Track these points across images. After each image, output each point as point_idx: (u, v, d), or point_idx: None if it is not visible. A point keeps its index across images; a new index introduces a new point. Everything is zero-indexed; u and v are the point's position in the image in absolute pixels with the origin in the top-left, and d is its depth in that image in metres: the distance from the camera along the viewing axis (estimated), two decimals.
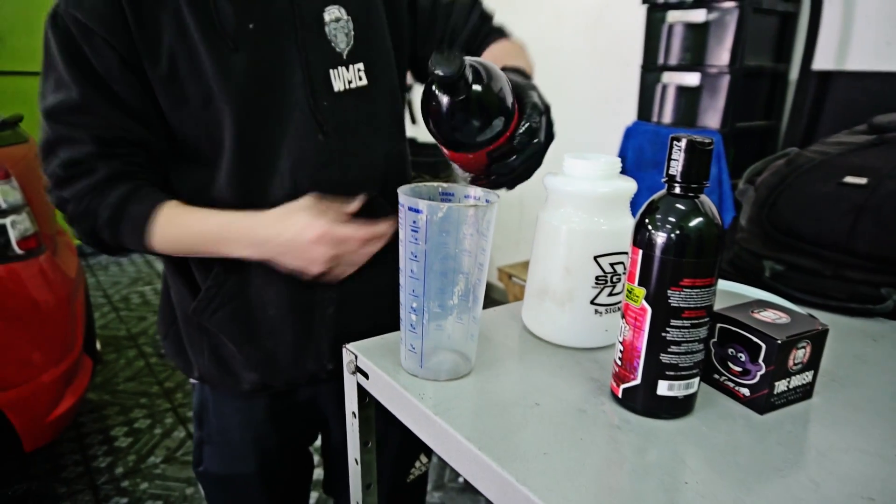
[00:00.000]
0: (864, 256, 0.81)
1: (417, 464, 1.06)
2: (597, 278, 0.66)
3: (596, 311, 0.67)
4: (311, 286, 0.86)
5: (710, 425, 0.55)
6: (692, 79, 2.10)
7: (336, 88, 0.82)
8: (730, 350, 0.59)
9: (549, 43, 2.83)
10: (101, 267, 4.02)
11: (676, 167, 0.51)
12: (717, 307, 0.56)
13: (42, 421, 1.69)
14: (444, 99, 0.60)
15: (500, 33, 0.95)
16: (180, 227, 0.78)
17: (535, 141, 0.65)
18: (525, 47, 0.95)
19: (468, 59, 0.60)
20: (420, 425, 0.58)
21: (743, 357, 0.57)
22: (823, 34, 2.02)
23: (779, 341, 0.54)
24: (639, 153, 2.26)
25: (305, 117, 0.80)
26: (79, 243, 3.70)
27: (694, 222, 0.51)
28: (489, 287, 2.18)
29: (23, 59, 3.70)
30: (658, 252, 0.51)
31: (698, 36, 2.06)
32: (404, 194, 0.57)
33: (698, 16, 2.04)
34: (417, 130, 1.18)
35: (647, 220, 0.52)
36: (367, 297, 0.89)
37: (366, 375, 0.66)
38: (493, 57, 0.88)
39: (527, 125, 0.64)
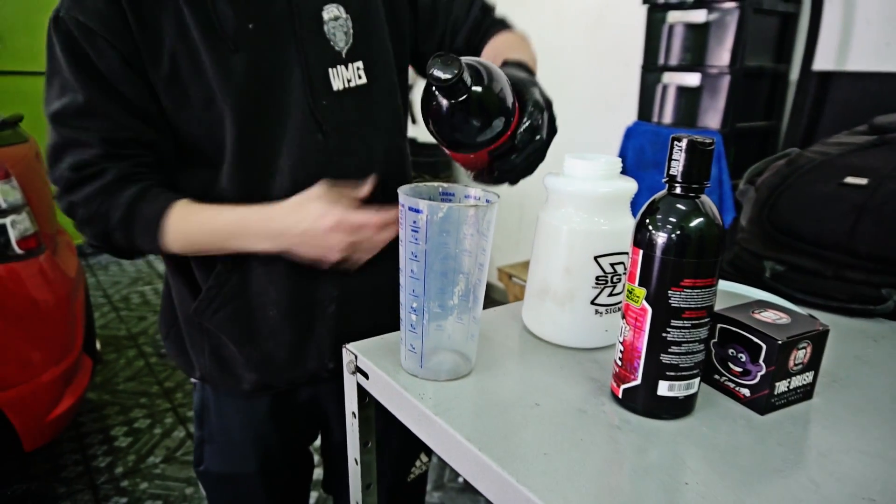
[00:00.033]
0: (865, 257, 0.81)
1: (418, 463, 1.06)
2: (597, 278, 0.66)
3: (596, 312, 0.67)
4: (312, 285, 0.86)
5: (711, 426, 0.55)
6: (692, 79, 2.10)
7: (335, 87, 0.82)
8: (730, 350, 0.59)
9: (549, 43, 2.82)
10: (101, 267, 4.02)
11: (677, 167, 0.51)
12: (717, 307, 0.56)
13: (42, 421, 1.69)
14: (444, 101, 0.60)
15: (502, 25, 0.95)
16: (194, 224, 0.78)
17: (538, 138, 0.65)
18: (527, 38, 0.94)
19: (467, 59, 0.60)
20: (420, 425, 0.58)
21: (743, 357, 0.57)
22: (824, 35, 2.02)
23: (779, 342, 0.54)
24: (639, 153, 2.26)
25: (305, 117, 0.80)
26: (79, 243, 3.70)
27: (695, 222, 0.51)
28: (489, 287, 2.18)
29: (23, 59, 3.71)
30: (659, 252, 0.51)
31: (699, 36, 2.07)
32: (404, 194, 0.57)
33: (699, 16, 2.04)
34: (417, 130, 1.18)
35: (647, 221, 0.52)
36: (367, 296, 0.89)
37: (366, 375, 0.66)
38: (495, 50, 0.87)
39: (528, 123, 0.64)
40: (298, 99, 0.79)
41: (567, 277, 0.67)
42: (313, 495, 1.90)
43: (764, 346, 0.55)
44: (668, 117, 2.22)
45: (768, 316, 0.59)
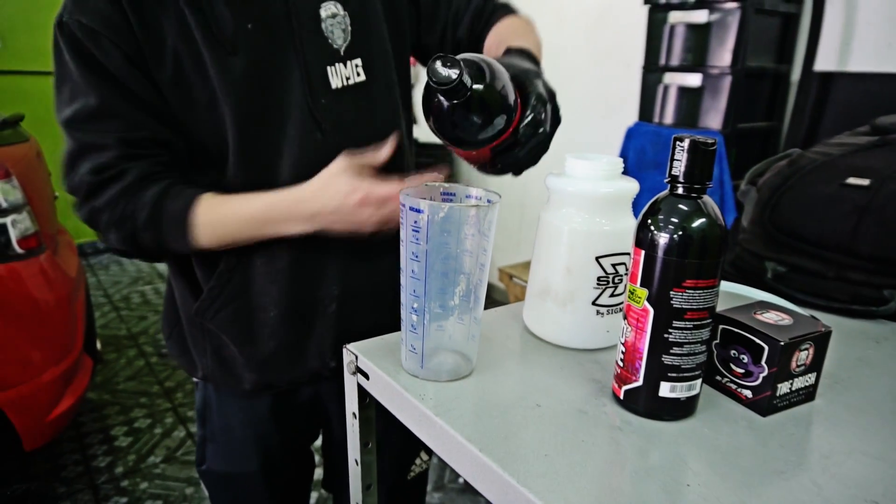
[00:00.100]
0: (867, 258, 0.81)
1: (418, 461, 1.06)
2: (598, 279, 0.66)
3: (597, 312, 0.67)
4: (313, 285, 0.86)
5: (713, 427, 0.55)
6: (694, 79, 2.10)
7: (334, 85, 0.82)
8: (732, 352, 0.58)
9: (550, 43, 2.81)
10: (101, 266, 4.02)
11: (679, 167, 0.51)
12: (718, 308, 0.56)
13: (42, 420, 1.69)
14: (444, 100, 0.60)
15: (505, 10, 0.94)
16: (223, 215, 0.77)
17: (541, 131, 0.64)
18: (532, 23, 0.93)
19: (467, 56, 0.60)
20: (420, 426, 0.58)
21: (745, 359, 0.57)
22: (825, 35, 2.02)
23: (781, 343, 0.54)
24: (640, 154, 2.26)
25: (304, 116, 0.80)
26: (80, 242, 3.70)
27: (697, 223, 0.50)
28: (490, 288, 2.18)
29: (24, 59, 3.71)
30: (660, 253, 0.51)
31: (700, 37, 2.06)
32: (405, 194, 0.57)
33: (700, 16, 2.04)
34: (418, 130, 1.17)
35: (649, 221, 0.52)
36: (368, 295, 0.89)
37: (366, 376, 0.66)
38: (499, 37, 0.87)
39: (531, 117, 0.64)
40: (297, 98, 0.79)
41: (568, 278, 0.66)
42: (313, 495, 1.89)
43: (766, 348, 0.55)
44: (669, 118, 2.22)
45: (770, 317, 0.59)
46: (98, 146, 0.75)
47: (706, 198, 0.52)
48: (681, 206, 0.51)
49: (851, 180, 0.85)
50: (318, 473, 1.17)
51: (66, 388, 1.75)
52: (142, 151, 0.77)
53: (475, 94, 0.59)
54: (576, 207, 0.66)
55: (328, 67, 0.81)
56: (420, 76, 1.32)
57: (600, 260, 0.65)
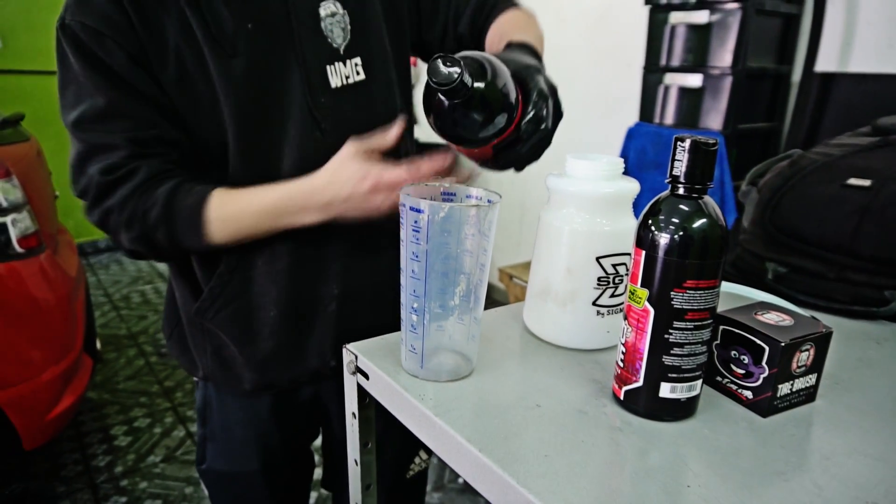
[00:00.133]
0: (868, 259, 0.80)
1: (417, 459, 1.06)
2: (599, 279, 0.65)
3: (598, 313, 0.67)
4: (313, 284, 0.86)
5: (713, 428, 0.54)
6: (694, 80, 2.10)
7: (333, 85, 0.81)
8: (733, 352, 0.58)
9: (550, 43, 2.81)
10: (101, 266, 4.02)
11: (680, 168, 0.50)
12: (719, 309, 0.56)
13: (42, 420, 1.68)
14: (445, 99, 0.60)
15: (506, 3, 0.93)
16: (236, 209, 0.77)
17: (542, 127, 0.64)
18: (534, 15, 0.92)
19: (467, 54, 0.60)
20: (420, 426, 0.58)
21: (746, 359, 0.57)
22: (826, 36, 2.01)
23: (782, 344, 0.54)
24: (640, 154, 2.26)
25: (304, 116, 0.79)
26: (79, 242, 3.69)
27: (698, 223, 0.50)
28: (490, 288, 2.18)
29: (24, 58, 3.71)
30: (661, 253, 0.51)
31: (701, 37, 2.06)
32: (406, 194, 0.57)
33: (701, 17, 2.04)
34: (418, 130, 1.17)
35: (650, 221, 0.52)
36: (368, 294, 0.89)
37: (366, 376, 0.66)
38: (500, 31, 0.86)
39: (532, 114, 0.64)
40: (297, 98, 0.79)
41: (568, 278, 0.66)
42: (312, 495, 1.89)
43: (767, 349, 0.55)
44: (669, 118, 2.22)
45: (771, 318, 0.58)
46: (107, 146, 0.74)
47: (707, 198, 0.52)
48: (682, 206, 0.51)
49: (852, 181, 0.85)
50: (318, 473, 1.17)
51: (65, 388, 1.75)
52: (151, 150, 0.76)
53: (476, 92, 0.59)
54: (576, 207, 0.66)
55: (328, 67, 0.81)
56: (420, 76, 1.32)
57: (601, 260, 0.65)
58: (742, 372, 0.58)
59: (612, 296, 0.66)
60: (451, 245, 0.56)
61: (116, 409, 2.38)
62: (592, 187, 0.64)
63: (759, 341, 0.56)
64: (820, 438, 0.54)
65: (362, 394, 0.68)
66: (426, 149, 0.73)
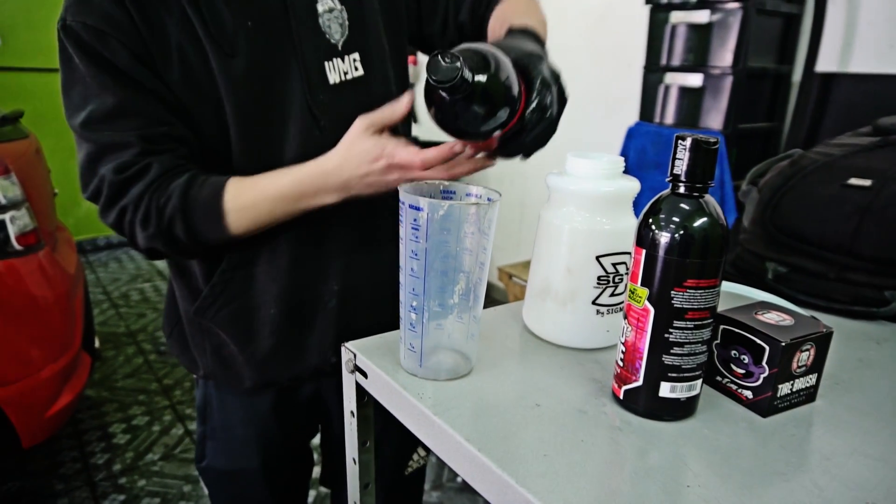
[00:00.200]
0: (868, 259, 0.80)
1: (415, 456, 1.06)
2: (599, 278, 0.65)
3: (598, 312, 0.66)
4: (313, 281, 0.86)
5: (713, 428, 0.54)
6: (695, 80, 2.10)
7: (331, 81, 0.81)
8: (733, 352, 0.58)
9: (551, 43, 2.82)
10: (100, 263, 4.02)
11: (681, 166, 0.50)
12: (719, 309, 0.55)
13: (40, 417, 1.68)
14: (446, 96, 0.60)
15: None
16: (253, 197, 0.76)
17: (548, 115, 0.64)
18: (536, 1, 0.91)
19: (467, 47, 0.60)
20: (419, 425, 0.57)
21: (746, 359, 0.57)
22: (827, 36, 2.01)
23: (783, 343, 0.54)
24: (641, 154, 2.26)
25: (303, 114, 0.79)
26: (78, 239, 3.67)
27: (698, 222, 0.50)
28: (489, 287, 2.18)
29: (24, 56, 3.71)
30: (662, 252, 0.51)
31: (701, 37, 2.06)
32: (405, 192, 0.57)
33: (701, 17, 2.04)
34: (419, 129, 1.17)
35: (650, 220, 0.52)
36: (368, 291, 0.89)
37: (364, 374, 0.66)
38: (502, 18, 0.86)
39: (536, 102, 0.63)
40: (297, 96, 0.79)
41: (568, 277, 0.66)
42: (311, 494, 1.89)
43: (767, 348, 0.55)
44: (670, 118, 2.22)
45: (771, 317, 0.58)
46: (118, 145, 0.74)
47: (708, 197, 0.51)
48: (682, 205, 0.51)
49: (853, 181, 0.85)
50: (316, 472, 1.17)
51: (64, 385, 1.75)
52: (161, 147, 0.75)
53: (477, 87, 0.58)
54: (576, 206, 0.65)
55: (326, 63, 0.80)
56: (420, 75, 1.31)
57: (601, 259, 0.65)
58: (742, 372, 0.57)
59: (612, 295, 0.66)
60: (451, 243, 0.56)
61: (115, 407, 2.38)
62: (593, 186, 0.64)
63: (759, 341, 0.55)
64: (820, 439, 0.54)
65: (361, 392, 0.68)
66: (427, 147, 0.73)
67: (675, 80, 2.16)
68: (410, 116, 0.99)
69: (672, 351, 0.52)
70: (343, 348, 0.69)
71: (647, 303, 0.52)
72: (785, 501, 0.45)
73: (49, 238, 1.87)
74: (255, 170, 0.79)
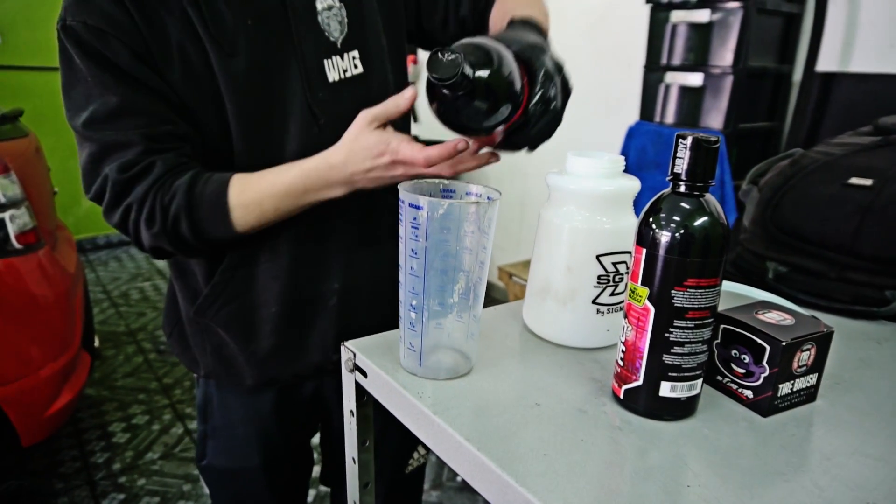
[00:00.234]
0: (869, 258, 0.80)
1: (415, 454, 1.06)
2: (599, 277, 0.65)
3: (598, 311, 0.66)
4: (314, 280, 0.86)
5: (713, 427, 0.54)
6: (695, 79, 2.10)
7: (331, 79, 0.81)
8: (733, 351, 0.58)
9: (551, 42, 2.82)
10: (100, 262, 4.02)
11: (682, 165, 0.50)
12: (720, 308, 0.55)
13: (40, 416, 1.68)
14: (447, 93, 0.59)
15: None
16: (258, 192, 0.75)
17: (552, 107, 0.64)
18: None
19: (468, 42, 0.59)
20: (419, 425, 0.57)
21: (747, 359, 0.57)
22: (827, 36, 2.01)
23: (783, 343, 0.54)
24: (641, 153, 2.26)
25: (303, 112, 0.79)
26: (78, 238, 3.67)
27: (699, 221, 0.50)
28: (489, 286, 2.17)
29: (23, 54, 3.71)
30: (662, 251, 0.50)
31: (702, 36, 2.06)
32: (405, 190, 0.57)
33: (702, 16, 2.03)
34: (419, 129, 1.17)
35: (651, 219, 0.52)
36: (369, 289, 0.89)
37: (364, 373, 0.66)
38: (503, 10, 0.85)
39: (540, 94, 0.63)
40: (296, 94, 0.79)
41: (568, 276, 0.66)
42: (311, 493, 1.89)
43: (768, 348, 0.55)
44: (670, 117, 2.21)
45: (772, 317, 0.58)
46: (121, 144, 0.73)
47: (708, 196, 0.51)
48: (683, 204, 0.51)
49: (854, 180, 0.85)
50: (316, 471, 1.17)
51: (64, 384, 1.75)
52: (165, 145, 0.75)
53: (479, 82, 0.58)
54: (577, 205, 0.65)
55: (325, 60, 0.80)
56: (420, 74, 1.31)
57: (601, 258, 0.64)
58: (743, 371, 0.57)
59: (613, 294, 0.66)
60: (451, 242, 0.56)
61: (115, 406, 2.38)
62: (593, 185, 0.64)
63: (759, 340, 0.55)
64: (820, 438, 0.54)
65: (360, 392, 0.68)
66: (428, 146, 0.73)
67: (676, 79, 2.16)
68: (410, 115, 0.99)
69: (672, 350, 0.52)
70: (343, 347, 0.68)
71: (647, 302, 0.52)
72: (785, 501, 0.45)
73: (49, 237, 1.87)
74: (257, 167, 0.78)
